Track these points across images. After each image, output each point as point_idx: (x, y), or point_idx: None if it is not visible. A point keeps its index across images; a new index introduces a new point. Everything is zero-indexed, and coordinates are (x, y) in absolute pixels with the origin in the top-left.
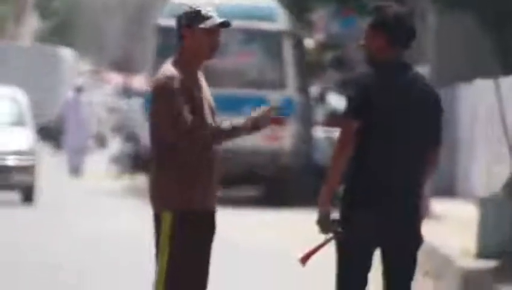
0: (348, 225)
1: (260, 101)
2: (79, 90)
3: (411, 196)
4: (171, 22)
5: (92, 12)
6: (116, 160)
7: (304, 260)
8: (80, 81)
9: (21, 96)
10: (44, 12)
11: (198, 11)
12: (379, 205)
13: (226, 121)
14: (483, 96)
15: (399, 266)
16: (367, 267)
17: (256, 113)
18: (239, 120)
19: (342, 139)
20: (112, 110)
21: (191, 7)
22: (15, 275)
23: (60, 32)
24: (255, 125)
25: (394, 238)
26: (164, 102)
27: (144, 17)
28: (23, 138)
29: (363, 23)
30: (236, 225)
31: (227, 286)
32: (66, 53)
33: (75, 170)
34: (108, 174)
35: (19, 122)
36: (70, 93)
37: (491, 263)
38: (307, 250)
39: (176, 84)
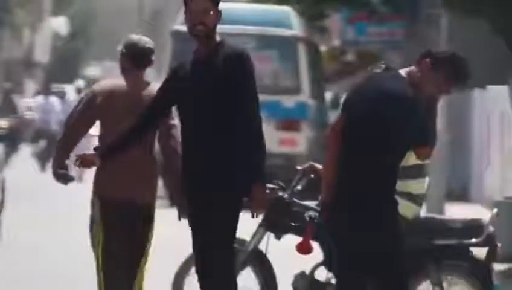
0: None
1: (275, 106)
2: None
3: (374, 202)
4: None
5: (107, 18)
6: None
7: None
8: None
9: None
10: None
11: None
12: (346, 210)
13: None
14: (497, 102)
15: (377, 273)
16: (360, 272)
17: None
18: None
19: (328, 135)
20: None
21: None
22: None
23: (76, 38)
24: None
25: (362, 244)
26: None
27: (159, 23)
28: None
29: (374, 29)
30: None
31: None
32: None
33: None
34: None
35: None
36: (39, 98)
37: (503, 266)
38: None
39: None
